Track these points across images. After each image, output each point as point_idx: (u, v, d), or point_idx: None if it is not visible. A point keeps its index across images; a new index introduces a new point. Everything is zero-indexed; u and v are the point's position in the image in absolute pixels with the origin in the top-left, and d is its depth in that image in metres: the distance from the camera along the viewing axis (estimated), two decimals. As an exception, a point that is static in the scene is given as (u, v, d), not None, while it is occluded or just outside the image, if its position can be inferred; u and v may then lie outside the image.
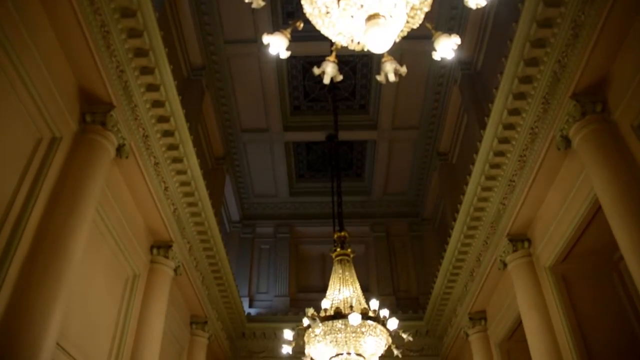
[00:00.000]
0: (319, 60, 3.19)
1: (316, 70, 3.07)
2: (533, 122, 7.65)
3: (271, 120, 14.09)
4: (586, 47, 6.36)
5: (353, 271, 7.26)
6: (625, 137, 6.43)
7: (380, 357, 6.92)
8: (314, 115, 14.30)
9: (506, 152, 8.38)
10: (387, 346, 6.76)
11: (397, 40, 2.92)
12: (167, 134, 8.15)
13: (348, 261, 7.35)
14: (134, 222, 8.53)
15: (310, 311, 6.52)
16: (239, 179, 15.93)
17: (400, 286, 15.82)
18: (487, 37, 10.95)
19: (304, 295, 15.21)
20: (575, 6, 6.20)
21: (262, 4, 2.82)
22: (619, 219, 6.22)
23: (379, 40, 2.63)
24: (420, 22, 2.96)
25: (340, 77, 3.04)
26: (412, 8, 2.90)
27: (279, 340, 9.16)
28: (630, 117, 6.31)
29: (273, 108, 13.74)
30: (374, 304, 6.73)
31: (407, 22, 2.89)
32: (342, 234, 7.72)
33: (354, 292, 6.96)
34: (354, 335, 6.30)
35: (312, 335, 6.54)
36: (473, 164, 8.99)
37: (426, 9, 2.99)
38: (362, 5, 2.65)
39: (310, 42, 10.76)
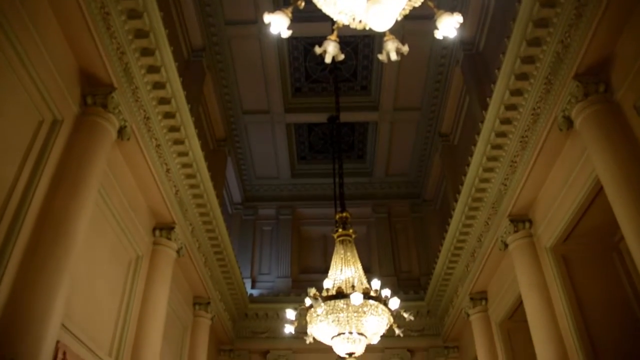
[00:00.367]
0: (320, 41, 3.16)
1: (318, 50, 3.05)
2: (535, 103, 7.62)
3: (272, 101, 14.05)
4: (589, 27, 6.30)
5: (355, 251, 7.29)
6: (628, 117, 6.41)
7: (382, 337, 6.97)
8: (316, 96, 14.25)
9: (508, 132, 8.36)
10: (388, 325, 6.81)
11: (399, 19, 2.90)
12: (168, 115, 8.14)
13: (350, 241, 7.37)
14: (136, 204, 8.56)
15: (313, 291, 6.56)
16: (240, 160, 15.93)
17: (402, 267, 15.92)
18: (490, 18, 10.85)
19: (306, 276, 15.31)
20: (579, -15, 6.14)
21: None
22: (620, 199, 6.23)
23: (380, 18, 2.61)
24: (422, 0, 2.93)
25: (341, 56, 3.02)
26: (414, -14, 2.88)
27: (281, 320, 9.24)
28: (633, 98, 6.28)
29: (274, 89, 13.69)
30: (376, 283, 6.76)
31: (409, 0, 2.87)
32: (344, 214, 7.73)
33: (355, 272, 6.99)
34: (355, 314, 6.34)
35: (314, 314, 6.59)
36: (475, 145, 8.98)
37: (428, -14, 2.97)
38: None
39: (311, 22, 10.73)
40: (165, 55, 7.36)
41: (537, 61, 7.20)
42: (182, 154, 8.88)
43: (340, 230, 7.56)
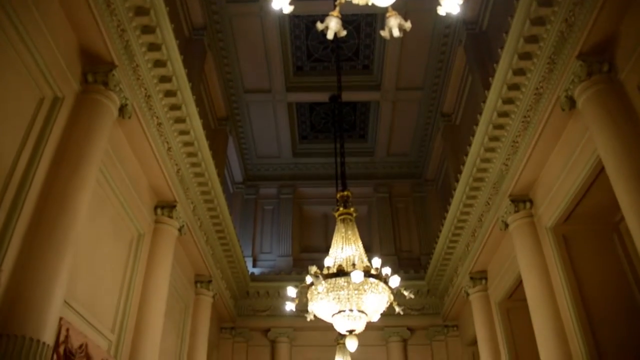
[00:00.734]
0: (322, 19, 3.13)
1: (319, 26, 3.02)
2: (538, 83, 7.58)
3: (274, 80, 13.97)
4: (594, 6, 6.23)
5: (356, 230, 7.27)
6: (631, 97, 6.37)
7: (382, 315, 7.01)
8: (317, 75, 14.17)
9: (510, 112, 8.33)
10: (388, 303, 6.84)
11: (402, -5, 2.87)
12: (170, 94, 8.11)
13: (351, 220, 7.35)
14: (137, 183, 8.58)
15: (314, 269, 6.57)
16: (241, 140, 15.91)
17: (402, 246, 16.00)
18: (494, -4, 10.74)
19: (307, 255, 15.40)
20: (584, -37, 6.07)
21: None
22: (622, 180, 6.22)
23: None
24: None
25: (344, 33, 2.99)
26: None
27: (282, 299, 9.31)
28: (637, 78, 6.23)
29: (276, 68, 13.61)
30: (376, 262, 6.78)
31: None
32: (345, 193, 7.71)
33: (356, 250, 6.99)
34: (356, 292, 6.35)
35: (315, 292, 6.61)
36: (477, 124, 8.95)
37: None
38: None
39: (313, 0, 10.62)
40: (166, 33, 7.32)
41: (541, 40, 7.14)
42: (183, 133, 8.86)
43: (341, 208, 7.55)
